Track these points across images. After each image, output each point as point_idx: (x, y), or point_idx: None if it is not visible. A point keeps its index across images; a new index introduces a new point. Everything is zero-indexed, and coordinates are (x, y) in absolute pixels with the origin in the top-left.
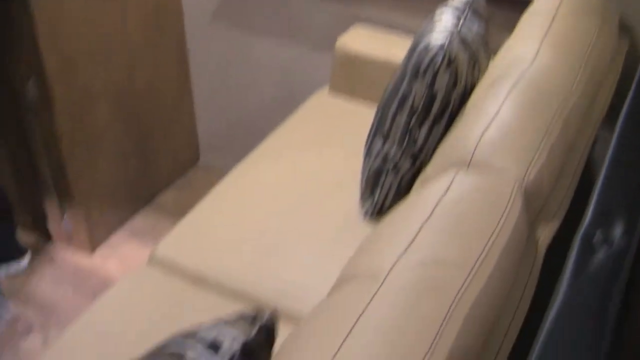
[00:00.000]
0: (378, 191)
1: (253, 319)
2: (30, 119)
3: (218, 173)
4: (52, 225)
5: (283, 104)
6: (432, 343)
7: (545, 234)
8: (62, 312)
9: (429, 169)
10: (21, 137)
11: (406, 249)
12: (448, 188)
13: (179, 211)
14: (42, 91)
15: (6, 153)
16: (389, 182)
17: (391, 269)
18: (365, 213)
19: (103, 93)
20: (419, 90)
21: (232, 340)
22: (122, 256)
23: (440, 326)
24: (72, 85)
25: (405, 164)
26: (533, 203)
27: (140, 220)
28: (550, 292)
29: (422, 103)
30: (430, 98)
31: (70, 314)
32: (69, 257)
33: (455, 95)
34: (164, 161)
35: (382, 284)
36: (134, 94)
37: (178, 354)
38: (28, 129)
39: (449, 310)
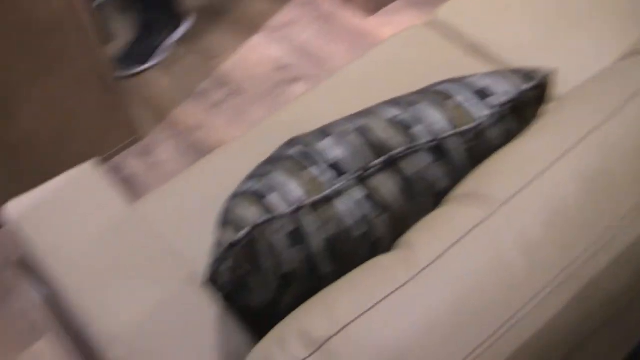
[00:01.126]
0: None
1: (528, 75)
2: None
3: None
4: None
5: None
6: None
7: None
8: (332, 67)
9: None
10: None
11: None
12: None
13: None
14: None
15: None
16: None
17: None
18: None
19: None
20: None
21: (504, 91)
22: (399, 23)
23: None
24: None
25: None
26: None
27: None
28: None
29: None
30: None
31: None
32: (347, 16)
33: None
34: None
35: None
36: None
37: (444, 94)
38: None
39: None
